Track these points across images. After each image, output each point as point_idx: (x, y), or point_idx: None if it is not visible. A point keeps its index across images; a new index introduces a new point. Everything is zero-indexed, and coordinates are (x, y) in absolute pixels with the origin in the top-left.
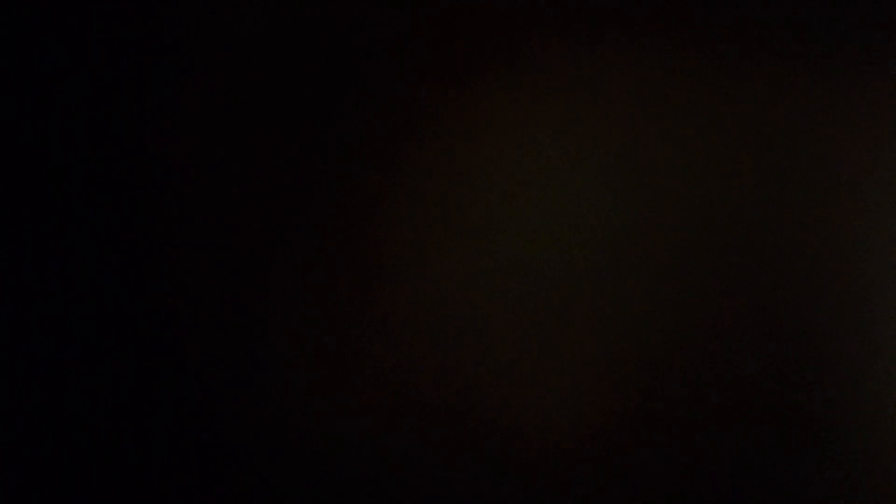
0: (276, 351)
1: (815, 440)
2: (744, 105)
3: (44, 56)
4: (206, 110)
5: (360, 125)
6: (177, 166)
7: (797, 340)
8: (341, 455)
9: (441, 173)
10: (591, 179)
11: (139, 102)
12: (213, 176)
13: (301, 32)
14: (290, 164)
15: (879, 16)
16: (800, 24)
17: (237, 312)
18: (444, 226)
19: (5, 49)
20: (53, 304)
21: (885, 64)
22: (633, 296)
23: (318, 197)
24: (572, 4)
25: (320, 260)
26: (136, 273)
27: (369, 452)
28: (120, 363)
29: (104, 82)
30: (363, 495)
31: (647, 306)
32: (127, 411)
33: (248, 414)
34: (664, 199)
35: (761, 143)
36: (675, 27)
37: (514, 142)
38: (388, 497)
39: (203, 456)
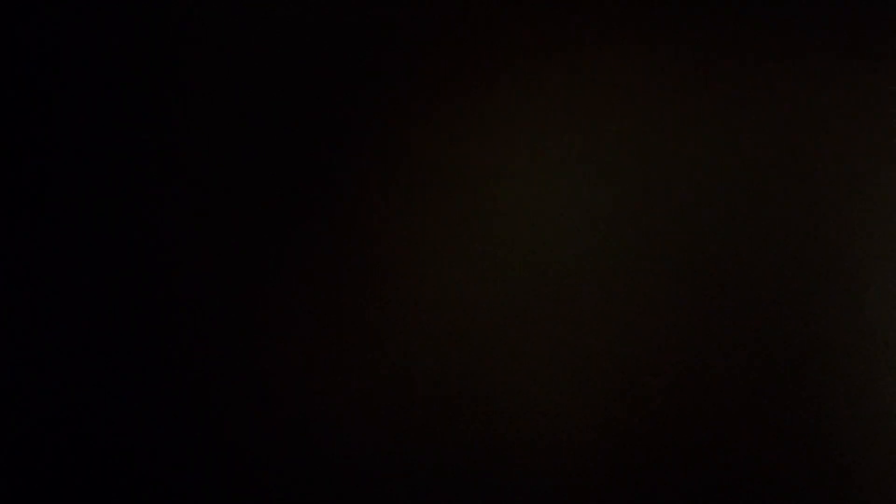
0: (278, 351)
1: (815, 440)
2: (745, 106)
3: (44, 56)
4: (207, 109)
5: (365, 123)
6: (180, 166)
7: (798, 340)
8: (343, 454)
9: (445, 173)
10: (595, 179)
11: (141, 102)
12: (215, 175)
13: (305, 32)
14: (293, 163)
15: (879, 16)
16: (801, 24)
17: (240, 312)
18: (447, 226)
19: (6, 49)
20: (56, 305)
21: (886, 64)
22: (636, 295)
23: (321, 196)
24: (574, 5)
25: (323, 260)
26: (139, 272)
27: (371, 452)
28: (123, 360)
29: (105, 82)
30: (366, 495)
31: (651, 306)
32: (129, 408)
33: (249, 413)
34: (666, 199)
35: (762, 143)
36: (677, 28)
37: (517, 142)
38: (391, 497)
39: (205, 455)
